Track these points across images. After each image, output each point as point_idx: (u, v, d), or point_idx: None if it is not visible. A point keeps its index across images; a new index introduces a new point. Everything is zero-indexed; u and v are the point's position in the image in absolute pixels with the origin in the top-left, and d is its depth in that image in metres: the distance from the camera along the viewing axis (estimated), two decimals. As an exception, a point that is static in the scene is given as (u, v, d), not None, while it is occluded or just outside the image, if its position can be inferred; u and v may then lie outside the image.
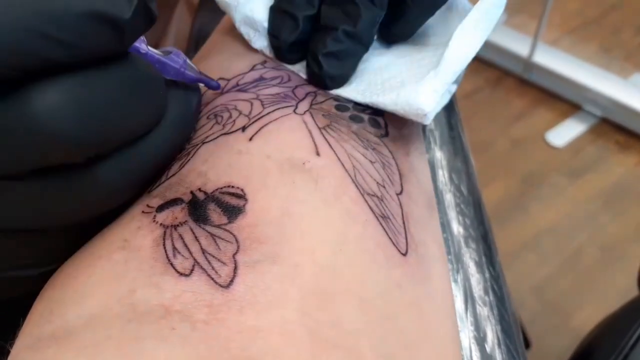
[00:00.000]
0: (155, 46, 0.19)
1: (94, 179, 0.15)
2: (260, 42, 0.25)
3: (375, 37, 0.26)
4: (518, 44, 1.31)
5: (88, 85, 0.14)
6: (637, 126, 1.19)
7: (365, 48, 0.24)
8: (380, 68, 0.24)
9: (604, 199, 1.09)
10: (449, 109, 0.35)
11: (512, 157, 1.18)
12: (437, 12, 0.25)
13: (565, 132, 1.22)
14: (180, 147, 0.20)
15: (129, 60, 0.15)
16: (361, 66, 0.24)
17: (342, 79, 0.23)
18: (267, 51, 0.25)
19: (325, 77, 0.23)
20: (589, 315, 0.91)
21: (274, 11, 0.24)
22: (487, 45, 1.33)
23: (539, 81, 1.31)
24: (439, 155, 0.29)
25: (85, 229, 0.18)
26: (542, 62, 1.27)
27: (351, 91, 0.23)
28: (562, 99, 1.28)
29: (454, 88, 0.26)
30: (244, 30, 0.25)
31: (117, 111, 0.15)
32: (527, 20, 1.38)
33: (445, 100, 0.24)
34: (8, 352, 0.15)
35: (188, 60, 0.20)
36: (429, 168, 0.29)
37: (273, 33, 0.24)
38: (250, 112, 0.21)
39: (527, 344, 0.78)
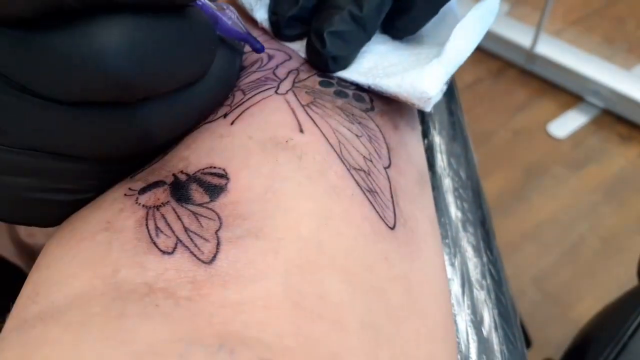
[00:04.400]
0: None
1: (134, 118, 0.16)
2: (260, 13, 0.25)
3: (378, 31, 0.26)
4: (520, 35, 1.30)
5: (148, 29, 0.14)
6: (639, 118, 1.18)
7: (368, 36, 0.23)
8: (381, 55, 0.24)
9: (605, 191, 1.09)
10: (449, 95, 0.35)
11: (514, 148, 1.18)
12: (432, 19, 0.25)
13: (567, 124, 1.22)
14: (219, 102, 0.20)
15: (186, 11, 0.16)
16: (361, 53, 0.24)
17: (344, 62, 0.23)
18: (266, 24, 0.25)
19: (327, 57, 0.22)
20: (589, 305, 0.91)
21: None
22: (490, 35, 1.32)
23: (541, 72, 1.30)
24: (437, 140, 0.29)
25: (123, 165, 0.18)
26: (544, 53, 1.26)
27: (353, 72, 0.23)
28: (565, 90, 1.27)
29: (445, 87, 0.26)
30: (245, 0, 0.25)
31: (170, 59, 0.15)
32: (529, 11, 1.37)
33: (441, 94, 0.24)
34: None
35: (240, 19, 0.21)
36: (430, 151, 0.29)
37: (273, 10, 0.24)
38: (232, 102, 0.21)
39: (528, 343, 0.78)
